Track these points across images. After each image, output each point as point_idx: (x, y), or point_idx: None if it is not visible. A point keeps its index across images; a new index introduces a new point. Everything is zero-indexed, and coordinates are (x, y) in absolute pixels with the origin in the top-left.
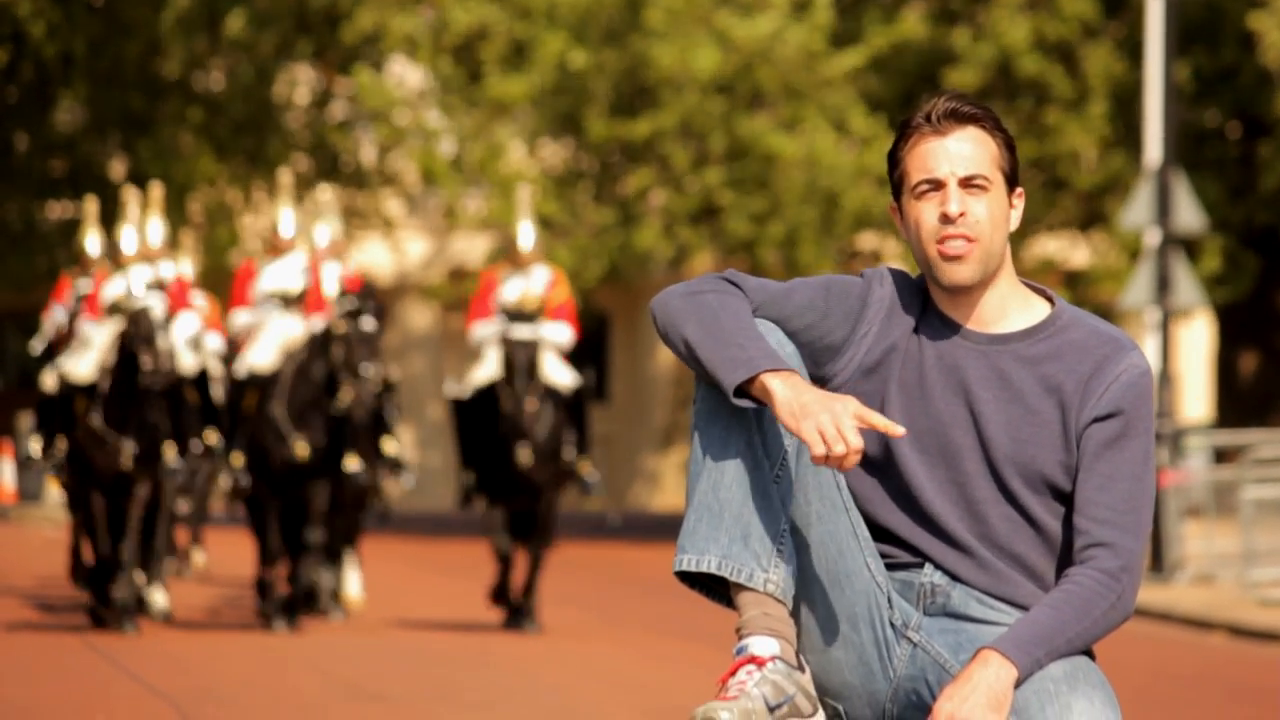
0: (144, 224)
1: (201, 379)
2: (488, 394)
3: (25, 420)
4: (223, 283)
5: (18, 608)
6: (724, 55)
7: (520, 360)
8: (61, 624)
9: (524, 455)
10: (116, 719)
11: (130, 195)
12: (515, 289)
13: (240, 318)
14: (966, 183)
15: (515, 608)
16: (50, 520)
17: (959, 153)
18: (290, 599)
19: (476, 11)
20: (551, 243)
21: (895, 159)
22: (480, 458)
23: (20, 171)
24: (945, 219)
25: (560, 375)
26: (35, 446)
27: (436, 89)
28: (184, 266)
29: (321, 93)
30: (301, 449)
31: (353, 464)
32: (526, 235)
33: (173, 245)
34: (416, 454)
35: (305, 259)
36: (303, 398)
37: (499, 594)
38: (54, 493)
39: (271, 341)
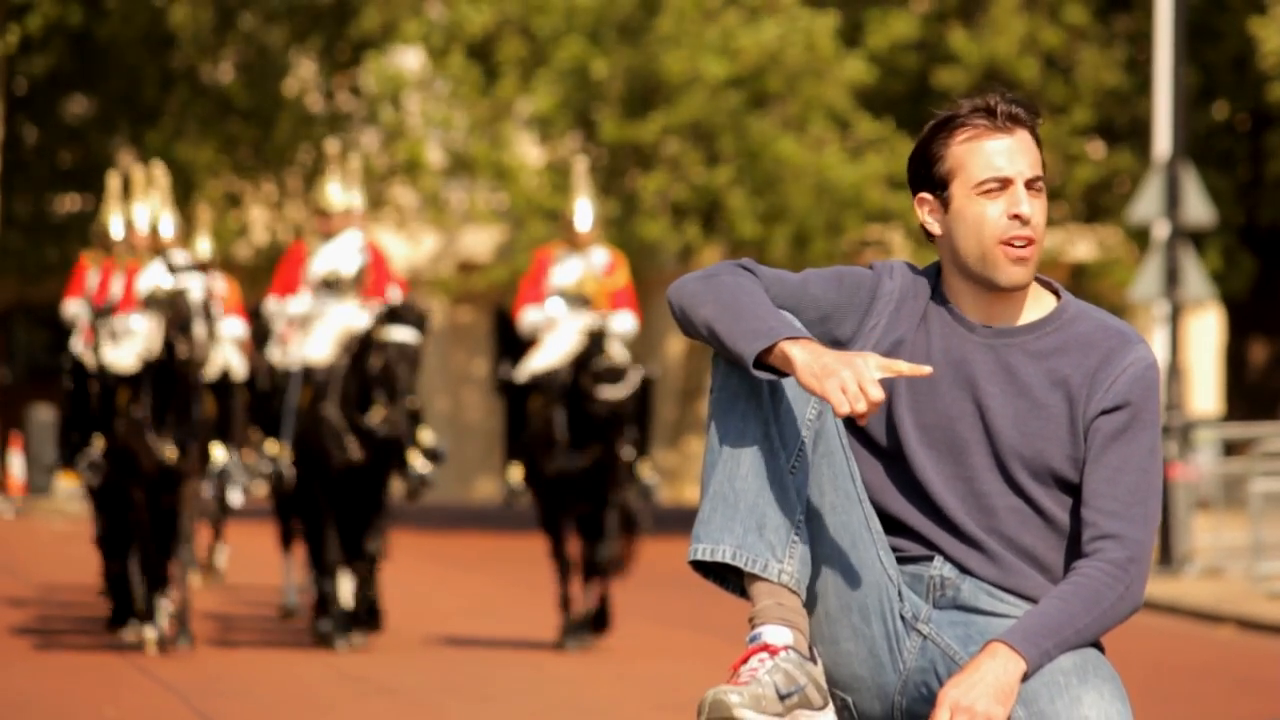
0: (154, 208)
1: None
2: (545, 381)
3: (39, 412)
4: (231, 272)
5: (27, 601)
6: (731, 59)
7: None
8: (71, 617)
9: (587, 458)
10: (126, 712)
11: (141, 175)
12: (572, 271)
13: (293, 305)
14: (1030, 184)
15: (574, 623)
16: (60, 513)
17: (1023, 153)
18: (352, 614)
19: (489, 11)
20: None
21: (941, 153)
22: (535, 451)
23: (29, 163)
24: (1018, 219)
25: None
26: (64, 449)
27: (447, 85)
28: (202, 247)
29: (328, 83)
30: (354, 450)
31: (417, 460)
32: (584, 214)
33: (186, 231)
34: None
35: (361, 238)
36: (357, 395)
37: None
38: (63, 486)
39: (328, 333)
